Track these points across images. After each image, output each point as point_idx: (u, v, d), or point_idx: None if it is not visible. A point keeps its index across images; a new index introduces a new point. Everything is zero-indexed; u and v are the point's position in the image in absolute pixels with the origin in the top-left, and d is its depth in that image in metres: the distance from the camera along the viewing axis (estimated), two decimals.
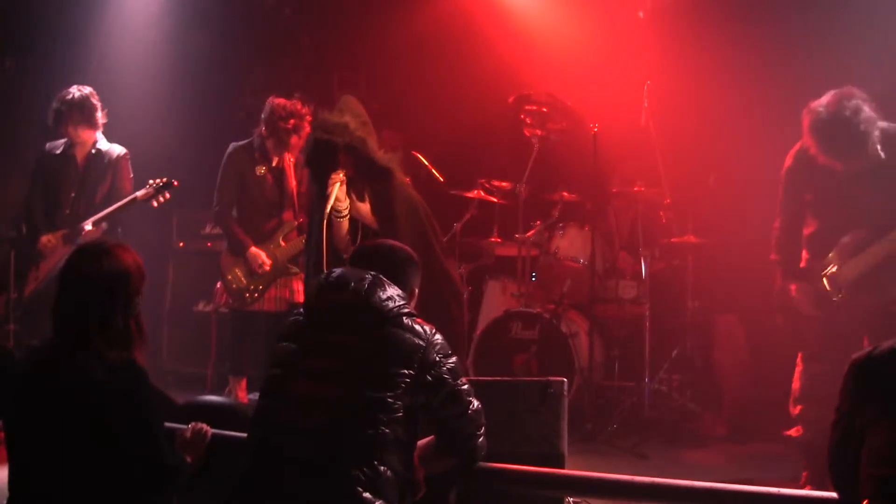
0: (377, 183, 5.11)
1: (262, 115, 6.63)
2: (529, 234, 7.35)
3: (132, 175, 6.64)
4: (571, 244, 7.25)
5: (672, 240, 7.11)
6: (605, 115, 7.08)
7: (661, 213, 7.19)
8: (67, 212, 6.53)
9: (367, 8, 8.69)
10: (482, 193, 7.55)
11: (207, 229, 7.01)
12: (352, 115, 5.11)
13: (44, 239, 6.49)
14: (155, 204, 6.40)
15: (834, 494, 2.87)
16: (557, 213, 7.41)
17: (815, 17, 6.78)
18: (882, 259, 4.94)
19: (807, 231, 5.20)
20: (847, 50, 6.53)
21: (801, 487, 4.90)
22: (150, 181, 6.39)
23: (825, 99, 4.89)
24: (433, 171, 7.60)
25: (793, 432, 5.19)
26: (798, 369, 5.19)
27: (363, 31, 8.52)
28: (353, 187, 5.10)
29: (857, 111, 4.80)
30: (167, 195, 6.40)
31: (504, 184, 7.52)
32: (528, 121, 7.41)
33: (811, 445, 5.06)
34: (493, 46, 8.02)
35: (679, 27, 7.53)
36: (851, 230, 5.00)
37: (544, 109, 7.40)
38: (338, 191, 5.00)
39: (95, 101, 6.57)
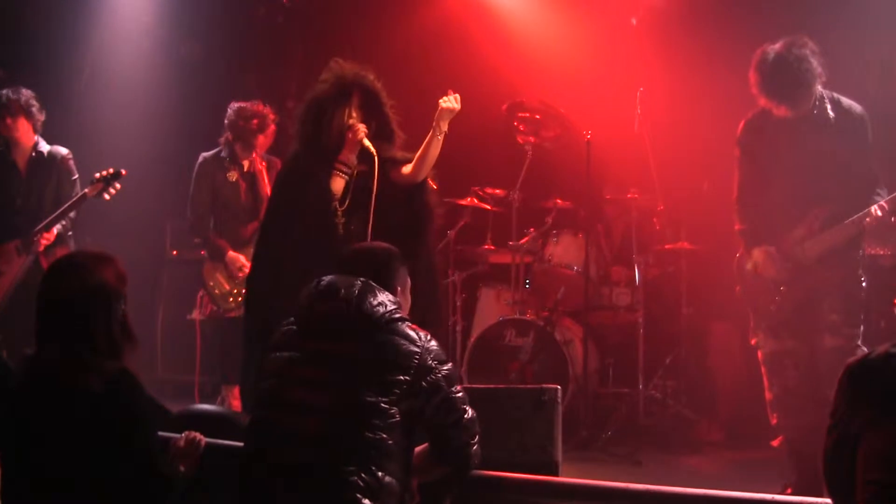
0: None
1: (226, 121, 6.69)
2: (523, 241, 7.34)
3: (77, 176, 6.46)
4: (565, 251, 7.24)
5: (666, 246, 7.13)
6: (599, 122, 7.08)
7: (655, 219, 7.20)
8: (16, 221, 6.33)
9: (360, 17, 8.69)
10: (475, 201, 7.55)
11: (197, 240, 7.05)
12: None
13: None
14: (107, 197, 6.21)
15: (829, 501, 2.86)
16: (551, 220, 7.41)
17: (811, 24, 6.78)
18: (848, 237, 5.06)
19: (767, 200, 5.25)
20: (842, 58, 6.54)
21: None
22: (96, 174, 6.21)
23: (777, 43, 5.06)
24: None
25: (775, 443, 5.25)
26: (765, 379, 5.24)
27: (355, 40, 8.51)
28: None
29: (802, 59, 4.95)
30: (117, 186, 6.21)
31: (497, 191, 7.53)
32: (521, 128, 7.41)
33: (792, 455, 5.11)
34: (486, 54, 8.02)
35: (672, 34, 7.54)
36: (813, 196, 5.09)
37: (537, 117, 7.40)
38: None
39: (27, 92, 6.35)
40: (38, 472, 3.11)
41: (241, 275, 6.52)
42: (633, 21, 7.83)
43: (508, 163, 7.67)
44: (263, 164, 6.78)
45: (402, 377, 3.11)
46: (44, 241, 6.25)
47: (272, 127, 6.81)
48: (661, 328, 7.22)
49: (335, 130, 4.97)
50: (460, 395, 3.26)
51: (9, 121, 6.34)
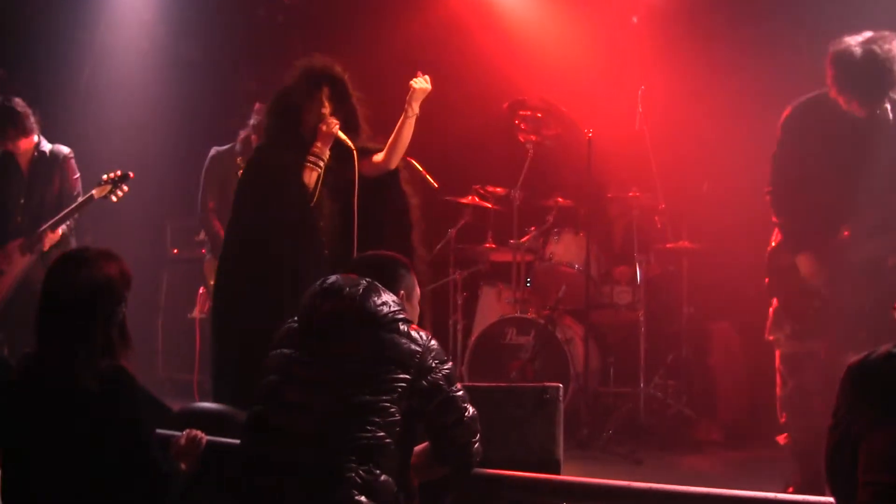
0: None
1: (253, 122, 6.67)
2: (524, 239, 7.34)
3: (78, 174, 6.50)
4: (566, 250, 7.24)
5: (667, 245, 7.12)
6: (600, 120, 7.08)
7: (656, 218, 7.19)
8: (19, 220, 6.40)
9: (361, 16, 8.68)
10: (477, 199, 7.55)
11: (201, 236, 7.05)
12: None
13: None
14: (114, 199, 6.22)
15: (831, 499, 2.86)
16: (552, 218, 7.41)
17: (812, 23, 6.78)
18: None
19: (811, 196, 4.95)
20: None
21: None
22: (104, 176, 6.23)
23: (859, 36, 4.74)
24: (427, 176, 7.59)
25: (781, 439, 5.21)
26: (778, 376, 5.17)
27: (356, 39, 8.51)
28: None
29: (893, 58, 4.66)
30: (125, 188, 6.22)
31: (498, 189, 7.53)
32: (522, 126, 7.41)
33: (797, 453, 5.08)
34: (488, 52, 8.01)
35: (673, 33, 7.53)
36: (861, 199, 4.84)
37: (539, 115, 7.39)
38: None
39: (21, 108, 6.36)
40: (37, 472, 3.11)
41: None
42: (635, 19, 7.83)
43: (509, 161, 7.67)
44: None
45: (402, 376, 3.12)
46: (48, 241, 6.26)
47: None
48: (662, 327, 7.22)
49: (308, 122, 4.96)
50: (461, 393, 3.26)
51: (10, 146, 6.40)
